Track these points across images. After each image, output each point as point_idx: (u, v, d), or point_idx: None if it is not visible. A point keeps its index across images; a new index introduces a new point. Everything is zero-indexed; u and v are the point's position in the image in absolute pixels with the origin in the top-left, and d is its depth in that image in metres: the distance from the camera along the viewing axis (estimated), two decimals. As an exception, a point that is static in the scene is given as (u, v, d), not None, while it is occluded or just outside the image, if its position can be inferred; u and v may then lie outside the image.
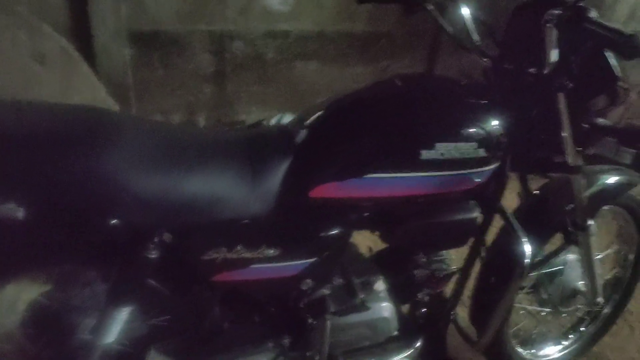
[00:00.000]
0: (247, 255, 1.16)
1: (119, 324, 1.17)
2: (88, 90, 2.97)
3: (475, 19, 1.36)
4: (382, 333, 1.43)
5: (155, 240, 1.10)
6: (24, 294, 1.45)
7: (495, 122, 1.22)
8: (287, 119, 3.50)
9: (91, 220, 1.04)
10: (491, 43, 1.36)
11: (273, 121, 3.39)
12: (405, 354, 1.49)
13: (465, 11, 1.33)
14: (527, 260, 1.31)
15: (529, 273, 1.51)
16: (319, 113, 1.27)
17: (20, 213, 0.96)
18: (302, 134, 1.23)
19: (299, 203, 1.18)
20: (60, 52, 2.89)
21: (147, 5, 2.98)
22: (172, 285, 1.24)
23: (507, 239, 1.40)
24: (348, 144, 1.19)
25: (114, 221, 1.03)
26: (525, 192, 1.52)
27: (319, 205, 1.19)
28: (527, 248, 1.32)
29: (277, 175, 1.17)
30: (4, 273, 1.17)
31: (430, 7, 1.35)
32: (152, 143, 1.12)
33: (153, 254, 1.10)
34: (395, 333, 1.45)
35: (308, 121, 1.26)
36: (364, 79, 3.42)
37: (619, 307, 1.90)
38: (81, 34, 2.91)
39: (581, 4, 1.16)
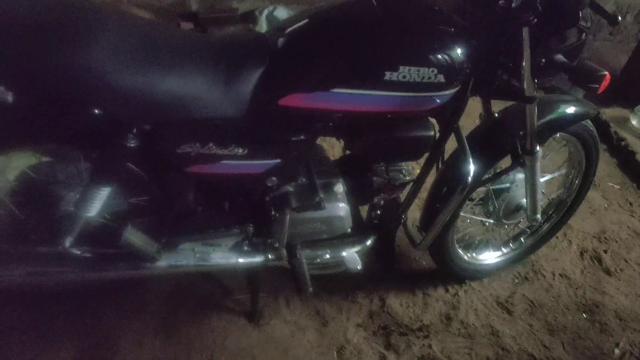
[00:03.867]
0: (218, 151, 1.29)
1: (100, 200, 1.32)
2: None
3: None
4: (337, 229, 1.60)
5: (134, 131, 1.21)
6: (13, 161, 1.58)
7: (459, 50, 1.30)
8: (279, 11, 3.47)
9: (73, 108, 1.13)
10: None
11: (265, 12, 3.37)
12: (357, 249, 1.68)
13: None
14: (469, 179, 1.45)
15: (474, 189, 1.67)
16: (298, 24, 1.33)
17: (9, 96, 1.05)
18: (279, 42, 1.30)
19: (269, 109, 1.28)
20: None
21: None
22: (149, 171, 1.37)
23: (458, 156, 1.53)
24: (318, 58, 1.26)
25: (95, 110, 1.13)
26: (486, 115, 1.63)
27: (287, 113, 1.29)
28: (471, 168, 1.45)
29: (250, 80, 1.26)
30: (-4, 147, 1.28)
31: None
32: (134, 39, 1.18)
33: (132, 143, 1.22)
34: (349, 230, 1.62)
35: (287, 30, 1.32)
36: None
37: (559, 224, 2.09)
38: None
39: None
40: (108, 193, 1.32)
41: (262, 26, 3.17)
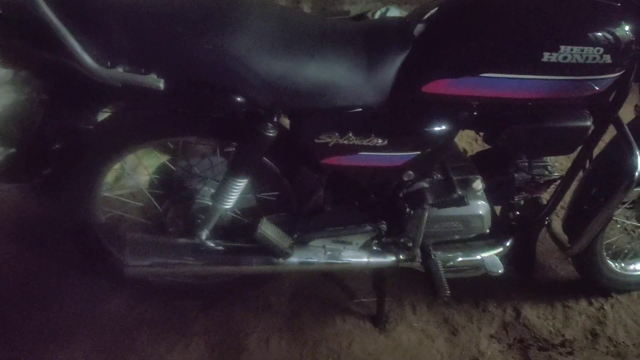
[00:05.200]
0: (357, 142, 1.23)
1: (237, 193, 1.31)
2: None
3: None
4: (474, 229, 1.48)
5: (274, 120, 1.19)
6: (144, 160, 1.62)
7: (626, 27, 1.16)
8: (393, 12, 3.40)
9: (219, 95, 1.12)
10: None
11: (377, 14, 3.32)
12: (494, 252, 1.55)
13: None
14: (637, 174, 1.29)
15: (635, 187, 1.49)
16: (440, 7, 1.25)
17: (161, 84, 1.06)
18: (421, 28, 1.23)
19: (411, 97, 1.21)
20: None
21: None
22: (284, 165, 1.35)
23: (618, 150, 1.37)
24: (467, 41, 1.17)
25: (238, 98, 1.12)
26: (644, 105, 1.45)
27: (431, 101, 1.22)
28: (639, 162, 1.29)
29: (392, 67, 1.19)
30: (142, 137, 1.31)
31: None
32: (277, 28, 1.16)
33: (271, 133, 1.19)
34: (487, 231, 1.50)
35: (427, 15, 1.25)
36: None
37: None
38: None
39: None
40: (245, 186, 1.31)
41: (374, 29, 3.12)
